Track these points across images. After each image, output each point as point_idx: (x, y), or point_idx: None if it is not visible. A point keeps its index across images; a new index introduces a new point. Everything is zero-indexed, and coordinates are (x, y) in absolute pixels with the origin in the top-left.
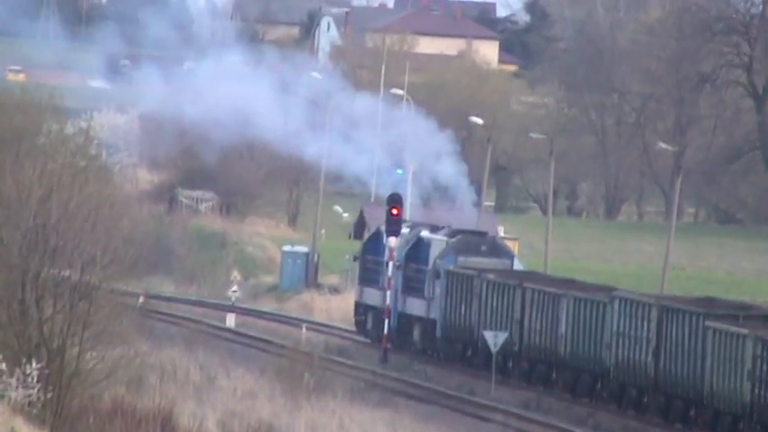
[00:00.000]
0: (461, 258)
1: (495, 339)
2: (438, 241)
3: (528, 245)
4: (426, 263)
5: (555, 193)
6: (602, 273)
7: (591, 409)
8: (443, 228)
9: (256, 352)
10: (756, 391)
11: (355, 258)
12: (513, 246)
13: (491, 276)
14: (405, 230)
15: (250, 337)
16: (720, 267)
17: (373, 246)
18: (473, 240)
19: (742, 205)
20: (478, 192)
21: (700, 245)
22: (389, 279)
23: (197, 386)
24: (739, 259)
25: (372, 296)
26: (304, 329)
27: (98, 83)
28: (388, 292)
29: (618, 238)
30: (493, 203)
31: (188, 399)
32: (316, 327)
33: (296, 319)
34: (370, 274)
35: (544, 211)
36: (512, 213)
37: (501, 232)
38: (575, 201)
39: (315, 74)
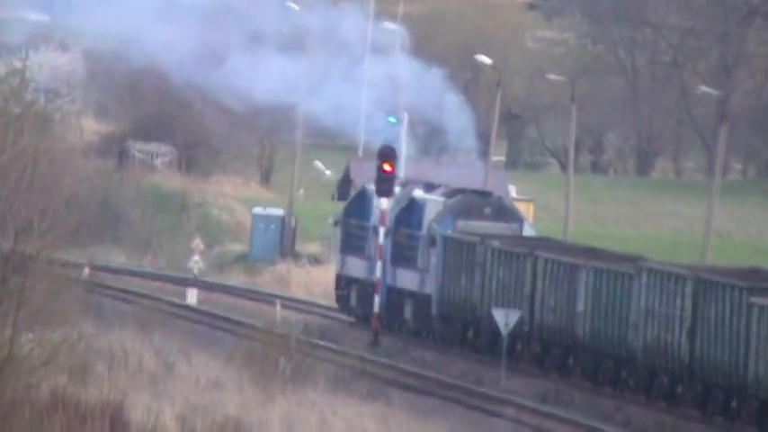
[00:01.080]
0: (461, 222)
1: (506, 319)
2: (433, 202)
3: (545, 207)
4: (420, 228)
5: (577, 146)
6: (633, 240)
7: (618, 402)
8: (440, 186)
9: (222, 334)
10: None
11: (336, 223)
12: (527, 208)
13: (496, 243)
14: (394, 189)
15: (215, 316)
16: None
17: (358, 208)
18: (475, 201)
19: None
20: (486, 144)
21: (748, 207)
22: (381, 247)
23: (152, 375)
24: None
25: (357, 267)
26: (279, 307)
27: (35, 15)
28: (379, 263)
29: (651, 200)
30: (503, 158)
31: (141, 390)
32: (293, 304)
33: (269, 294)
34: (353, 241)
35: (564, 168)
36: (526, 170)
37: (513, 192)
38: (600, 155)
39: (291, 4)
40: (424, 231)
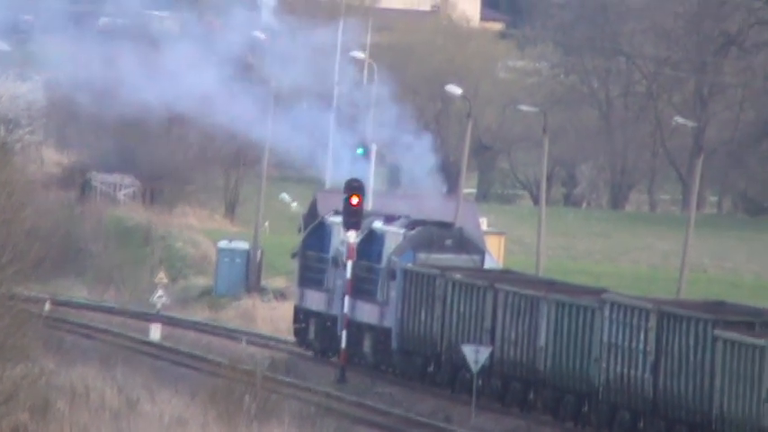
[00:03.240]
0: (422, 255)
1: (476, 356)
2: (393, 234)
3: (517, 240)
4: (379, 260)
5: (549, 179)
6: (607, 274)
7: None
8: (400, 217)
9: (186, 371)
10: None
11: (294, 255)
12: (498, 242)
13: (457, 276)
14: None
15: (179, 352)
16: (749, 269)
17: (316, 240)
18: (436, 233)
19: None
20: (456, 177)
21: (724, 241)
22: (349, 282)
23: (115, 412)
24: None
25: (315, 300)
26: (244, 343)
27: None
28: (347, 298)
29: (626, 233)
30: (474, 191)
31: (104, 427)
32: (258, 340)
33: (234, 330)
34: (312, 273)
35: (536, 201)
36: (497, 203)
37: (484, 225)
38: (573, 187)
39: (258, 33)
40: (383, 264)
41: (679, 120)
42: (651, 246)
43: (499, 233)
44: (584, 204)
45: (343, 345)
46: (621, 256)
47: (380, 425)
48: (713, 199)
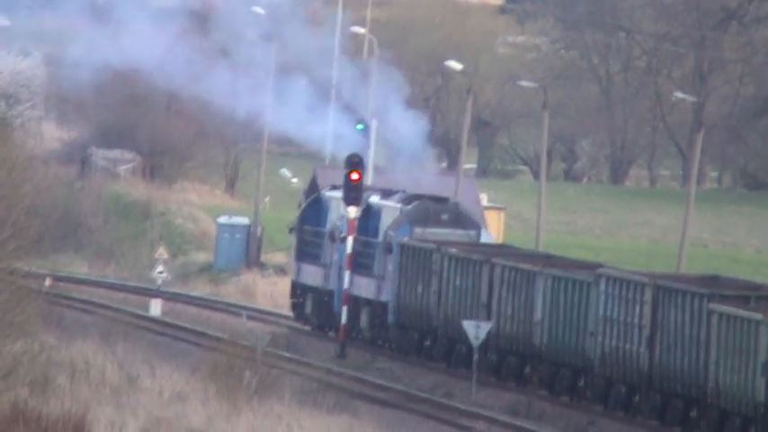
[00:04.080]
0: (418, 229)
1: (476, 331)
2: (390, 209)
3: (517, 216)
4: (376, 234)
5: (549, 154)
6: (607, 249)
7: (593, 416)
8: (397, 192)
9: (187, 346)
10: None
11: (291, 230)
12: (498, 217)
13: (453, 251)
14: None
15: (179, 327)
16: (749, 243)
17: (313, 214)
18: (432, 208)
19: None
20: (456, 152)
21: (724, 216)
22: (349, 257)
23: (115, 388)
24: None
25: (312, 275)
26: (244, 318)
27: None
28: (347, 273)
29: (626, 208)
30: (474, 166)
31: (104, 403)
32: (258, 315)
33: (234, 305)
34: (309, 248)
35: (536, 176)
36: (497, 178)
37: (484, 201)
38: (573, 163)
39: (257, 9)
40: (380, 238)
41: (679, 95)
42: (651, 221)
43: (499, 208)
44: (585, 180)
45: (344, 320)
46: (621, 231)
47: (381, 400)
48: (713, 174)
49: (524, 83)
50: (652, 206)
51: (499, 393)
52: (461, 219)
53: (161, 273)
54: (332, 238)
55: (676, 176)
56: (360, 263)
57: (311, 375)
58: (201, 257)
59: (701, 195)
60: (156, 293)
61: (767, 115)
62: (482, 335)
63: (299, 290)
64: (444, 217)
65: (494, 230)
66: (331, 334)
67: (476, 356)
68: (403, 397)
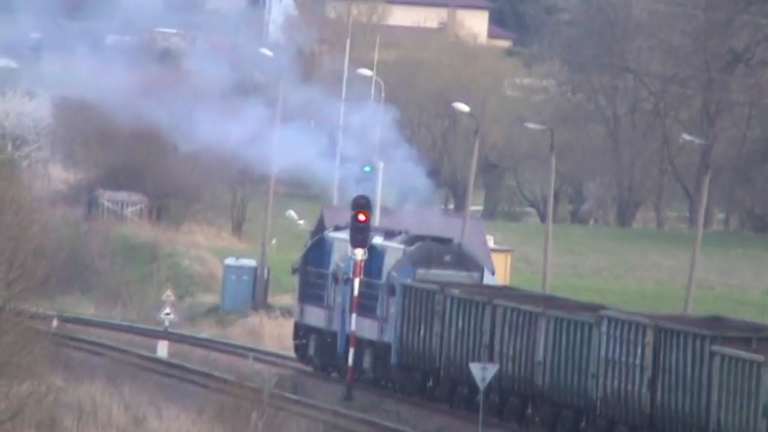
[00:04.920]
0: (421, 270)
1: (483, 373)
2: (393, 250)
3: (523, 258)
4: (379, 276)
5: (556, 196)
6: (614, 292)
7: None
8: (400, 233)
9: (194, 387)
10: None
11: (294, 271)
12: (505, 259)
13: (455, 292)
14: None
15: (186, 369)
16: (756, 286)
17: (316, 255)
18: (435, 249)
19: None
20: (463, 194)
21: (731, 258)
22: (356, 299)
23: (122, 429)
24: None
25: (315, 316)
26: (251, 360)
27: (2, 60)
28: (353, 316)
29: (632, 251)
30: (481, 208)
31: None
32: (265, 357)
33: (241, 347)
34: (312, 289)
35: (543, 218)
36: (504, 220)
37: (491, 243)
38: (580, 205)
39: (264, 50)
40: (383, 280)
41: (686, 137)
42: (658, 263)
43: (506, 251)
44: (592, 221)
45: (350, 362)
46: (628, 274)
47: None
48: (720, 216)
49: (531, 125)
50: (659, 248)
51: None
52: (464, 260)
53: (168, 314)
54: (335, 279)
55: (683, 218)
56: (363, 304)
57: (318, 417)
58: (208, 299)
59: (708, 238)
60: (163, 335)
61: None
62: (489, 377)
63: (302, 331)
64: (447, 258)
65: (500, 273)
66: (334, 375)
67: (482, 399)
68: None
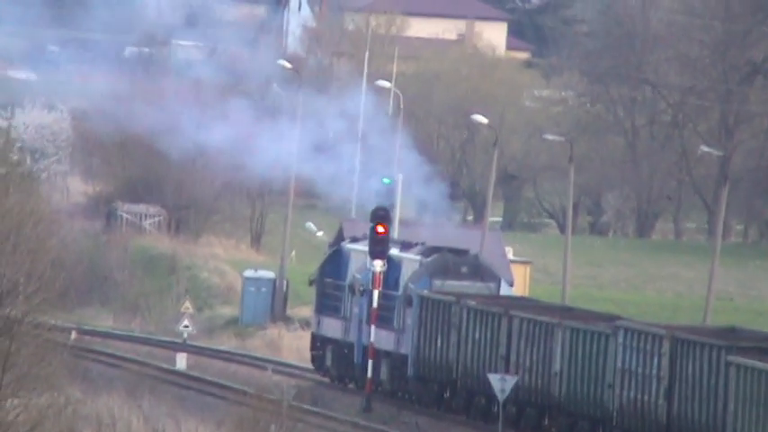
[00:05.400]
0: (437, 282)
1: (502, 384)
2: (410, 261)
3: (542, 269)
4: (396, 287)
5: (575, 207)
6: (633, 303)
7: None
8: (417, 245)
9: (212, 400)
10: None
11: (311, 282)
12: (524, 270)
13: (472, 303)
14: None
15: (205, 381)
16: None
17: (333, 267)
18: (452, 260)
19: None
20: (482, 206)
21: (750, 270)
22: (375, 311)
23: None
24: None
25: (332, 327)
26: (270, 372)
27: (21, 73)
28: (373, 328)
29: (651, 262)
30: (500, 219)
31: None
32: (284, 369)
33: (260, 359)
34: (329, 300)
35: (562, 229)
36: (523, 231)
37: (510, 254)
38: (599, 216)
39: (283, 62)
40: (400, 291)
41: (705, 148)
42: (677, 274)
43: (525, 262)
44: (611, 233)
45: (369, 374)
46: (647, 285)
47: None
48: (739, 227)
49: (550, 136)
50: (678, 260)
51: None
52: (481, 271)
53: (187, 326)
54: (352, 290)
55: (702, 229)
56: (380, 315)
57: (337, 429)
58: (227, 311)
59: (727, 249)
60: (181, 347)
61: None
62: (508, 388)
63: (318, 342)
64: (464, 269)
65: (520, 284)
66: (351, 386)
67: (501, 410)
68: None
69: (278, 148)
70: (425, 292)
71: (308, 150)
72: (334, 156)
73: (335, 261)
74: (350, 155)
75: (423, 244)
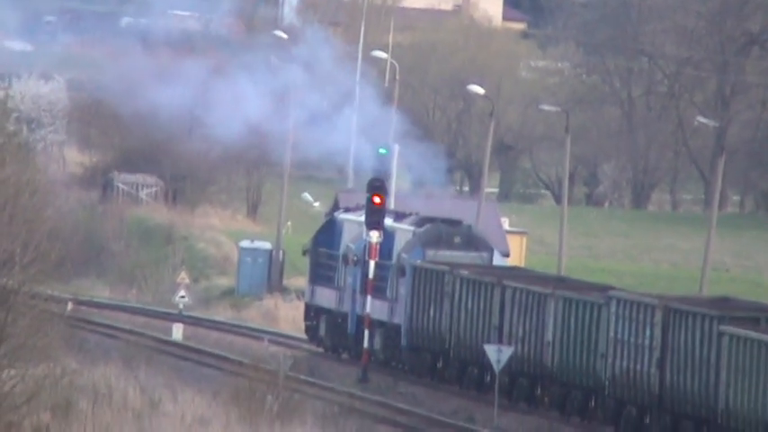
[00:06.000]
0: (431, 252)
1: (498, 355)
2: (403, 231)
3: (538, 240)
4: (389, 257)
5: (571, 178)
6: (629, 274)
7: None
8: (410, 215)
9: (209, 370)
10: None
11: (305, 252)
12: (520, 241)
13: (465, 273)
14: (363, 218)
15: (201, 352)
16: None
17: (327, 237)
18: (445, 230)
19: None
20: (478, 176)
21: (746, 240)
22: (370, 282)
23: (137, 412)
24: None
25: (326, 297)
26: (266, 343)
27: (17, 44)
28: (368, 298)
29: (648, 233)
30: (496, 190)
31: (126, 427)
32: (281, 339)
33: (257, 330)
34: (322, 270)
35: (558, 200)
36: (519, 202)
37: (506, 225)
38: (595, 187)
39: (279, 33)
40: (393, 261)
41: (701, 119)
42: (673, 245)
43: (521, 233)
44: (607, 204)
45: (366, 344)
46: (643, 256)
47: (403, 425)
48: (735, 198)
49: (546, 107)
50: (674, 230)
51: (521, 417)
52: (474, 241)
53: (183, 297)
54: (345, 260)
55: (698, 200)
56: (374, 285)
57: (334, 399)
58: (223, 282)
59: (723, 220)
60: (177, 318)
61: None
62: (504, 359)
63: (312, 312)
64: (457, 239)
65: (516, 255)
66: (344, 356)
67: (497, 381)
68: (426, 421)
69: (277, 118)
70: (418, 262)
71: (305, 121)
72: (330, 126)
73: (329, 231)
74: (346, 125)
75: (416, 214)
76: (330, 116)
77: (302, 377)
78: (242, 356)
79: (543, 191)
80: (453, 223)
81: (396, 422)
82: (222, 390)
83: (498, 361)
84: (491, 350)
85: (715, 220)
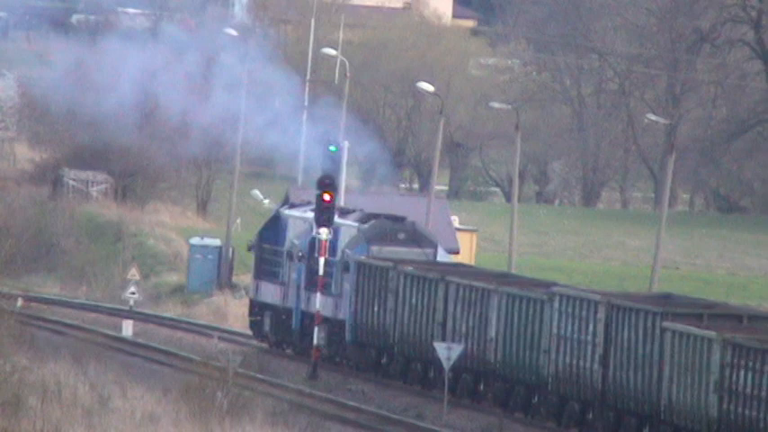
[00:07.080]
0: (375, 248)
1: (448, 353)
2: (347, 227)
3: (489, 238)
4: (334, 253)
5: (521, 176)
6: (579, 272)
7: None
8: (354, 211)
9: (159, 367)
10: (725, 405)
11: (250, 248)
12: (470, 239)
13: (409, 269)
14: (308, 215)
15: (151, 348)
16: (721, 266)
17: (271, 233)
18: (389, 226)
19: (747, 190)
20: (428, 174)
21: (696, 238)
22: (320, 278)
23: (87, 408)
24: (743, 256)
25: (270, 292)
26: (216, 339)
27: None
28: (318, 295)
29: (598, 231)
30: (446, 188)
31: (76, 424)
32: (230, 336)
33: (206, 326)
34: (267, 266)
35: (508, 198)
36: (469, 200)
37: (456, 223)
38: (545, 185)
39: (229, 30)
40: (337, 257)
41: (651, 117)
42: (623, 243)
43: (471, 230)
44: (557, 202)
45: (315, 341)
46: (594, 254)
47: (353, 422)
48: (685, 196)
49: (496, 104)
50: (624, 228)
51: (471, 414)
52: (418, 237)
53: (133, 294)
54: (290, 256)
55: (648, 199)
56: (318, 281)
57: (283, 396)
58: (173, 278)
59: (674, 218)
60: (127, 314)
61: (739, 138)
62: (454, 357)
63: (257, 308)
64: (401, 236)
65: (466, 252)
66: (289, 351)
67: (446, 378)
68: (375, 418)
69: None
70: (362, 257)
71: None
72: (279, 124)
73: (274, 227)
74: (296, 123)
75: (361, 210)
76: (280, 114)
77: (252, 374)
78: (192, 353)
79: (493, 188)
80: (398, 219)
81: (346, 419)
82: (172, 386)
83: (448, 359)
84: (441, 348)
85: (665, 218)
